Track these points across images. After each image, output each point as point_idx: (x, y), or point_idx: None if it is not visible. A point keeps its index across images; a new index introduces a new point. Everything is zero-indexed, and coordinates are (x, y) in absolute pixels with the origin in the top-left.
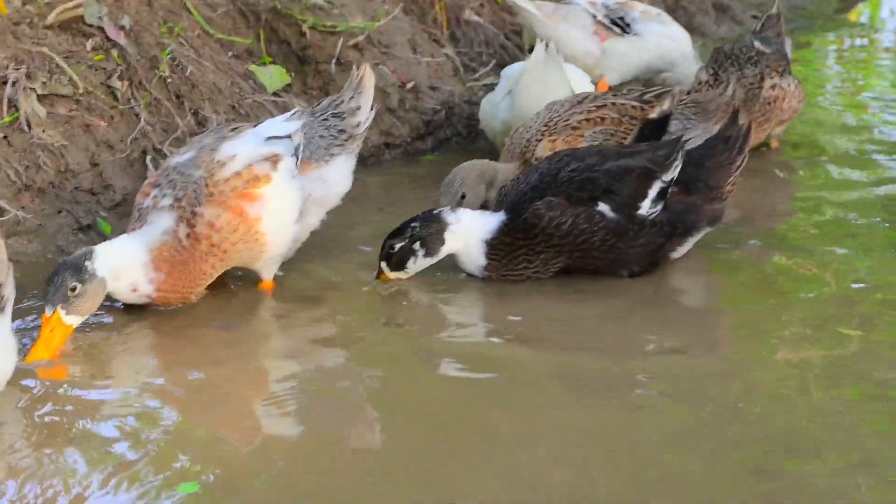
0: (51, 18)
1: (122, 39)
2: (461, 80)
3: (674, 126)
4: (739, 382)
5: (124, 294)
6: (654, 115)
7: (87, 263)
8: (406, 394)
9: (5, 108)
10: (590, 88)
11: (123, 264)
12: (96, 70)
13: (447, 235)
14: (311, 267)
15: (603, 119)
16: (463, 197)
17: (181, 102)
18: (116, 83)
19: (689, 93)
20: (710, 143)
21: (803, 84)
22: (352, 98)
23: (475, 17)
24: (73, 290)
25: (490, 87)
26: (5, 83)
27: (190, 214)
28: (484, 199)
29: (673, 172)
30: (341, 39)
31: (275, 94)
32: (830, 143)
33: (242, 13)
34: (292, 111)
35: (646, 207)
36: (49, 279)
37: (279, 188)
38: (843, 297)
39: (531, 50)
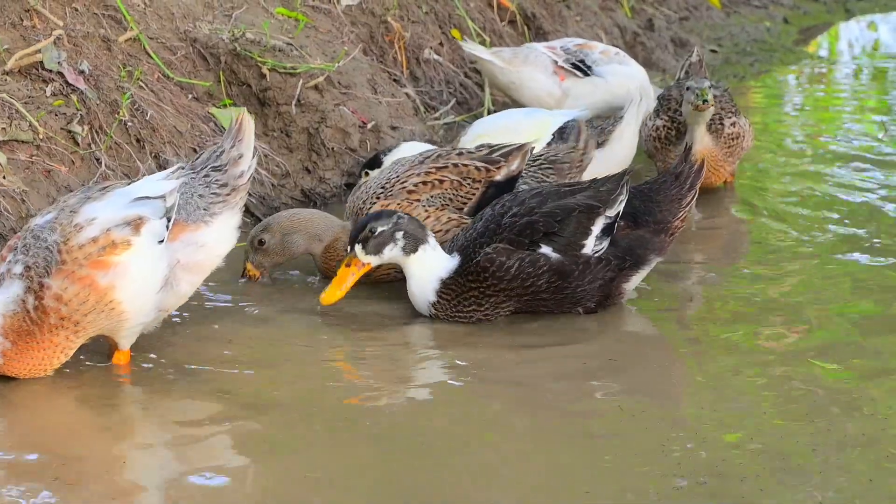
0: (10, 64)
1: (81, 84)
2: (421, 119)
3: (523, 188)
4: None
5: None
6: (499, 176)
7: None
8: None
9: None
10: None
11: None
12: (56, 115)
13: (420, 249)
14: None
15: (441, 182)
16: (261, 243)
17: (142, 146)
18: (77, 128)
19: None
20: (661, 178)
21: (762, 117)
22: (233, 147)
23: (435, 57)
24: None
25: (450, 126)
26: None
27: (37, 286)
28: (306, 252)
29: (618, 207)
30: (301, 81)
31: None
32: (786, 177)
33: (202, 55)
34: (175, 167)
35: (590, 245)
36: None
37: (139, 253)
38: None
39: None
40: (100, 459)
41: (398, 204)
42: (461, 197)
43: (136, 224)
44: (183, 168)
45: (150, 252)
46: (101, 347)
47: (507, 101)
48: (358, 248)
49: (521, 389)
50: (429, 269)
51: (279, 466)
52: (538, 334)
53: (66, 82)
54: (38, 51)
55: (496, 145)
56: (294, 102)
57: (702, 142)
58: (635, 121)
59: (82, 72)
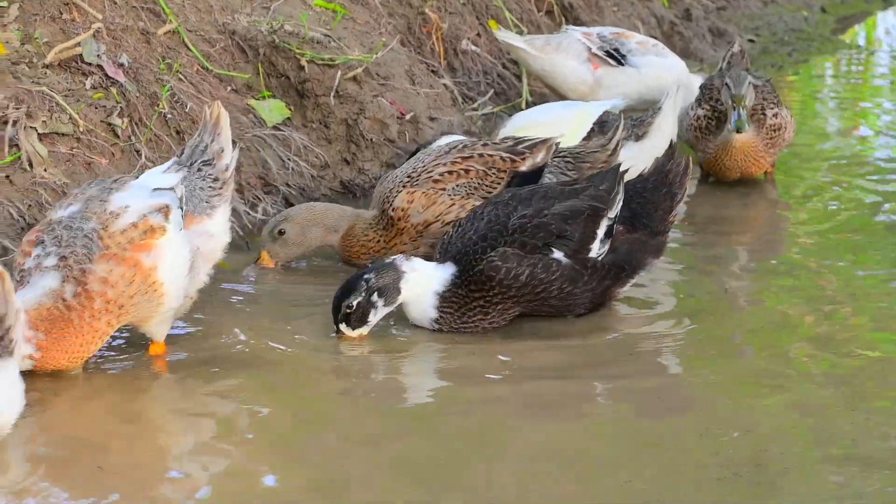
0: (50, 57)
1: (121, 77)
2: (459, 109)
3: (546, 180)
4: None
5: None
6: (524, 167)
7: None
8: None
9: (6, 147)
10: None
11: None
12: (96, 108)
13: (402, 285)
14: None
15: (467, 171)
16: (281, 233)
17: (182, 138)
18: (116, 120)
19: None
20: (650, 178)
21: (799, 106)
22: (213, 141)
23: (472, 47)
24: None
25: (488, 117)
26: (6, 123)
27: (78, 273)
28: (322, 244)
29: (617, 207)
30: (339, 72)
31: (274, 127)
32: (824, 167)
33: (241, 48)
34: (169, 162)
35: (595, 249)
36: None
37: (173, 238)
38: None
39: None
40: (137, 450)
41: (424, 192)
42: (486, 186)
43: (165, 212)
44: (178, 163)
45: (178, 237)
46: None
47: (546, 91)
48: (343, 327)
49: (553, 380)
50: (420, 291)
51: (311, 459)
52: (555, 326)
53: (106, 75)
54: (78, 44)
55: (521, 138)
56: (332, 94)
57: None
58: (673, 113)
59: (122, 64)
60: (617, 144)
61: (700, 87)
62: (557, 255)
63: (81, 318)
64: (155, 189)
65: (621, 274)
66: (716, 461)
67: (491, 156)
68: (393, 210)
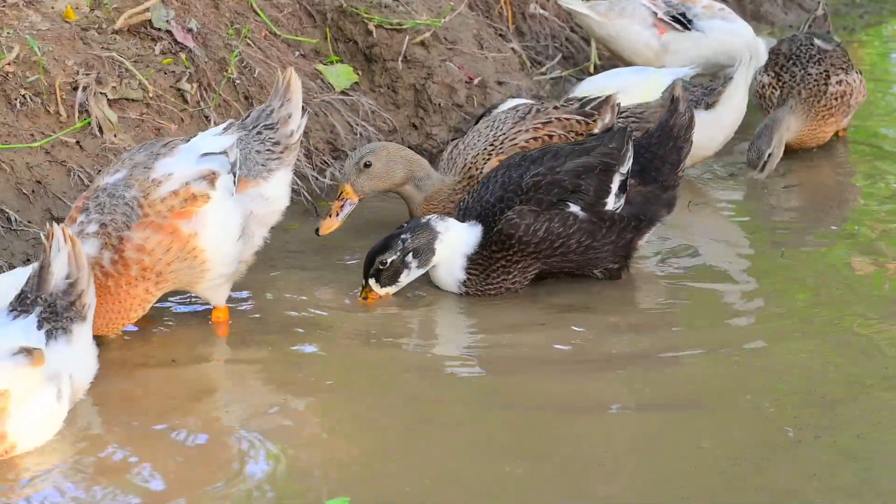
0: (119, 23)
1: (189, 42)
2: (528, 74)
3: None
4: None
5: None
6: (597, 129)
7: None
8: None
9: (77, 113)
10: None
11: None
12: (165, 73)
13: (437, 245)
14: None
15: (550, 137)
16: (367, 165)
17: (250, 103)
18: (185, 86)
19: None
20: (656, 133)
21: (871, 70)
22: (281, 106)
23: (540, 11)
24: None
25: (556, 81)
26: (76, 89)
27: (116, 241)
28: (402, 185)
29: (628, 163)
30: (407, 36)
31: (342, 92)
32: (893, 132)
33: (309, 13)
34: (225, 124)
35: (611, 202)
36: None
37: (218, 206)
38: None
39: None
40: (200, 418)
41: None
42: None
43: (210, 178)
44: (234, 125)
45: (225, 204)
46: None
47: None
48: (372, 282)
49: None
50: (452, 252)
51: (377, 429)
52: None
53: (175, 41)
54: (147, 9)
55: (583, 98)
56: (400, 58)
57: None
58: (745, 82)
59: (190, 30)
60: (676, 101)
61: (769, 52)
62: (574, 208)
63: (118, 285)
64: (204, 154)
65: (640, 225)
66: (794, 424)
67: (568, 119)
68: (483, 176)
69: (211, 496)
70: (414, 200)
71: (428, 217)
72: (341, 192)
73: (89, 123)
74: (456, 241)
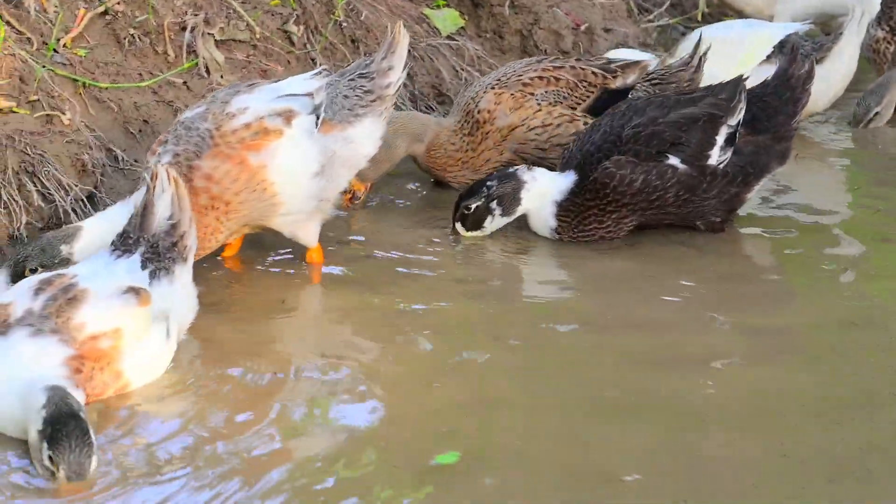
0: None
1: None
2: (635, 21)
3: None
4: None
5: None
6: (615, 85)
7: (62, 247)
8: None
9: (184, 54)
10: None
11: (103, 240)
12: (272, 15)
13: (523, 194)
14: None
15: (557, 80)
16: None
17: (356, 47)
18: (292, 28)
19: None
20: (772, 83)
21: None
22: (384, 58)
23: None
24: (34, 272)
25: (664, 28)
26: (184, 29)
27: (186, 169)
28: (409, 154)
29: (738, 115)
30: None
31: (448, 37)
32: None
33: None
34: (318, 69)
35: (715, 156)
36: (24, 256)
37: (291, 143)
38: None
39: None
40: (293, 364)
41: (512, 94)
42: (575, 97)
43: (287, 116)
44: (328, 71)
45: (301, 142)
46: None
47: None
48: (458, 226)
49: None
50: (541, 200)
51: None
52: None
53: None
54: None
55: (616, 59)
56: (507, 4)
57: None
58: (856, 39)
59: None
60: (700, 61)
61: (881, 4)
62: (673, 161)
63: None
64: (288, 94)
65: (748, 178)
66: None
67: (583, 69)
68: (479, 112)
69: (314, 445)
70: (418, 154)
71: (515, 168)
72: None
73: (196, 64)
74: (544, 189)
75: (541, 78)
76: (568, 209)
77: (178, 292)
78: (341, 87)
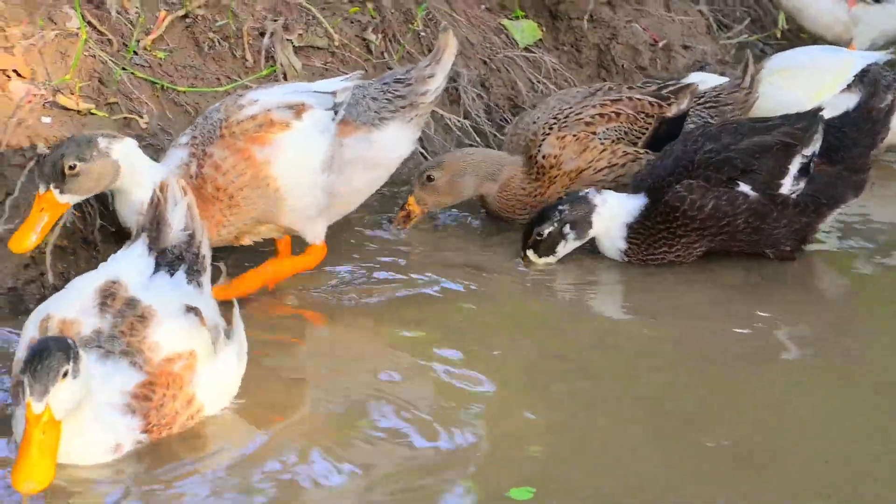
0: None
1: None
2: (714, 37)
3: (689, 127)
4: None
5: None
6: (670, 113)
7: (100, 141)
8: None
9: (262, 59)
10: None
11: (142, 175)
12: (351, 23)
13: (594, 218)
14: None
15: (618, 115)
16: (430, 179)
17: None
18: (371, 36)
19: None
20: (852, 114)
21: None
22: (427, 66)
23: None
24: (73, 168)
25: (742, 46)
26: (263, 34)
27: (201, 153)
28: (480, 193)
29: (814, 146)
30: None
31: (526, 49)
32: None
33: None
34: (355, 73)
35: (787, 185)
36: (47, 156)
37: (298, 136)
38: None
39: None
40: (357, 379)
41: (575, 136)
42: (635, 131)
43: (298, 109)
44: (360, 75)
45: (309, 136)
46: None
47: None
48: (530, 253)
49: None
50: (611, 223)
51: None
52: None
53: None
54: None
55: (664, 83)
56: (586, 17)
57: None
58: None
59: None
60: (752, 81)
61: None
62: (744, 188)
63: (201, 198)
64: (305, 91)
65: (820, 208)
66: None
67: (640, 100)
68: (544, 157)
69: (387, 470)
70: (489, 195)
71: (585, 191)
72: (405, 203)
73: (274, 70)
74: (615, 212)
75: (601, 115)
76: (638, 232)
77: (208, 302)
78: (371, 90)
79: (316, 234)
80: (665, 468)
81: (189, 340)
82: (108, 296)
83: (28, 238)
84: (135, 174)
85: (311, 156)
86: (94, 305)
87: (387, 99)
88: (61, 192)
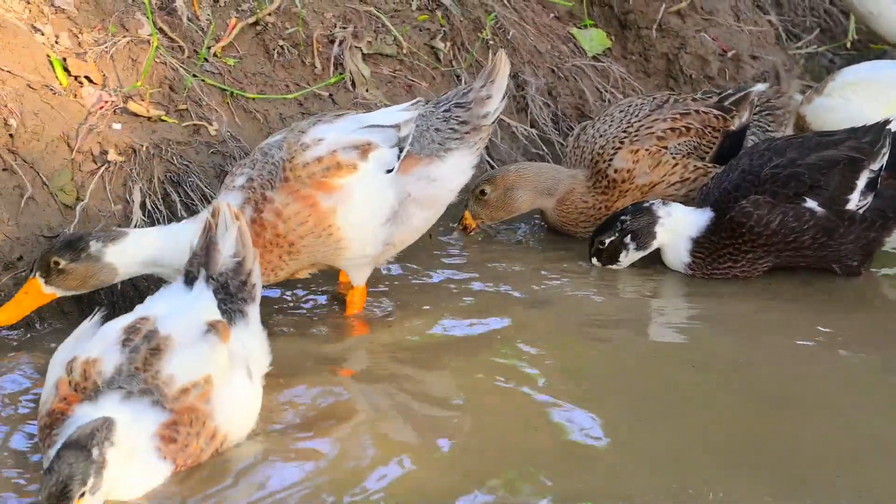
0: None
1: (446, 0)
2: (783, 47)
3: (751, 141)
4: None
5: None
6: (734, 126)
7: (92, 244)
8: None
9: (331, 66)
10: None
11: (154, 255)
12: (420, 31)
13: (658, 229)
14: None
15: (688, 129)
16: (483, 193)
17: None
18: (439, 44)
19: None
20: None
21: None
22: (482, 87)
23: None
24: (57, 264)
25: (812, 56)
26: (332, 42)
27: (259, 197)
28: (532, 208)
29: (881, 160)
30: (664, 5)
31: (594, 57)
32: None
33: None
34: (414, 101)
35: (855, 200)
36: (52, 246)
37: (365, 180)
38: None
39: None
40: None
41: (647, 150)
42: (704, 146)
43: (364, 149)
44: (424, 102)
45: (376, 179)
46: None
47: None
48: (594, 261)
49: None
50: (675, 235)
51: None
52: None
53: None
54: None
55: (722, 93)
56: (655, 27)
57: None
58: None
59: None
60: (789, 85)
61: None
62: (811, 204)
63: (256, 246)
64: (368, 126)
65: (887, 223)
66: None
67: (706, 113)
68: (616, 171)
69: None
70: (546, 208)
71: (651, 202)
72: (461, 219)
73: (343, 78)
74: (679, 225)
75: (673, 130)
76: (703, 246)
77: (256, 335)
78: (434, 120)
79: (363, 277)
80: (725, 485)
81: (204, 365)
82: (132, 331)
83: (8, 314)
84: (163, 259)
85: (377, 204)
86: (116, 342)
87: (451, 128)
88: (46, 283)
